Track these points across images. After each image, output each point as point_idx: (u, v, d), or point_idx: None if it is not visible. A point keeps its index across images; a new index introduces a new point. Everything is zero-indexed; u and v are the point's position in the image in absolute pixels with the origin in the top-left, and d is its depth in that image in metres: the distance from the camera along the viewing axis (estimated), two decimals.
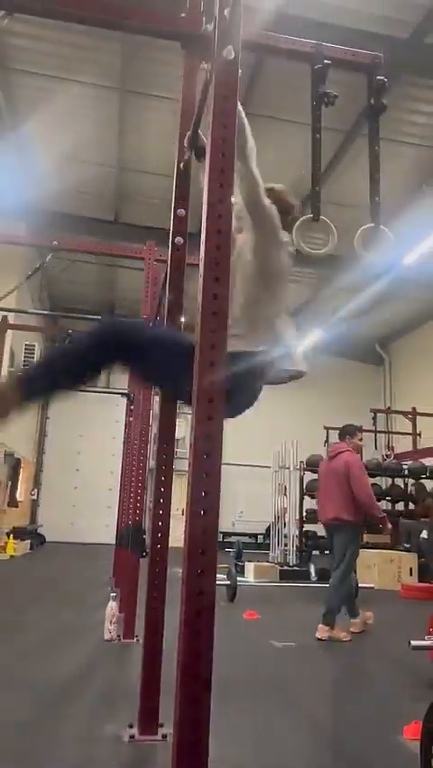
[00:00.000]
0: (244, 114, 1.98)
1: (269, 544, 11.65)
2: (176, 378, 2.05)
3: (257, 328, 2.19)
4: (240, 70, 1.67)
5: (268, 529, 12.71)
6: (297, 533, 10.66)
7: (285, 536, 10.87)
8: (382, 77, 2.38)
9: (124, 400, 8.09)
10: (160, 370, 2.20)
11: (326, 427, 13.31)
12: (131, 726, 2.59)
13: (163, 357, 2.17)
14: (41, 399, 2.15)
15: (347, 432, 5.66)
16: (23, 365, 12.98)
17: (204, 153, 2.56)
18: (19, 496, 14.74)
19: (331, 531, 5.27)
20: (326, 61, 2.31)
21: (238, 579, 7.21)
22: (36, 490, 17.04)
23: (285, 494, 12.36)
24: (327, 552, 5.72)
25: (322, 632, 4.90)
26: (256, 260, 2.21)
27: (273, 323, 2.24)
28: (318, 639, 4.86)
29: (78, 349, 2.14)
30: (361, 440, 5.76)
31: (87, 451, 17.00)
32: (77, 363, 2.09)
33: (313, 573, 9.43)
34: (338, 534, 5.16)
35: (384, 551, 9.75)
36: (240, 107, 1.81)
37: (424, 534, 10.04)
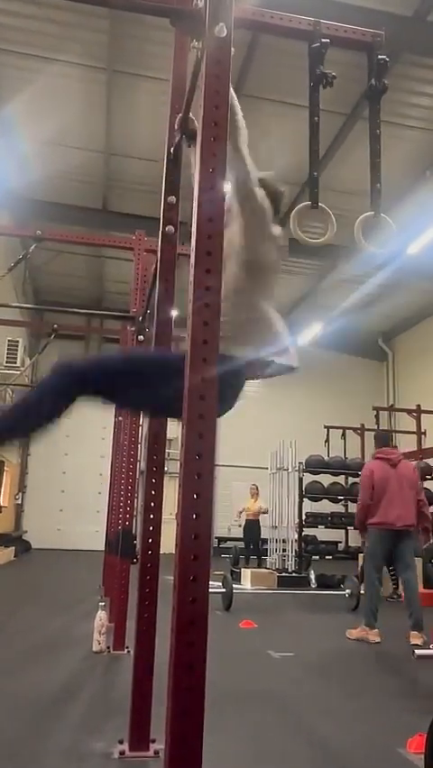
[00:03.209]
0: (235, 96, 1.97)
1: (267, 549, 11.66)
2: (157, 396, 2.10)
3: (245, 328, 2.16)
4: (233, 49, 1.66)
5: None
6: (295, 537, 10.65)
7: (283, 541, 10.88)
8: (382, 57, 2.37)
9: None
10: (135, 395, 2.19)
11: (326, 426, 13.34)
12: (121, 742, 2.59)
13: (133, 380, 2.14)
14: (13, 443, 2.21)
15: (388, 438, 6.24)
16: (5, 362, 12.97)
17: (195, 137, 2.56)
18: (2, 500, 14.72)
19: (400, 537, 5.46)
20: (324, 40, 2.29)
21: (234, 586, 7.21)
22: (21, 494, 17.01)
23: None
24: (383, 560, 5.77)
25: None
26: (244, 255, 2.18)
27: (262, 321, 2.22)
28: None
29: (40, 396, 2.15)
30: None
31: (74, 452, 16.94)
32: (42, 408, 2.10)
33: (313, 580, 9.45)
34: (409, 539, 5.45)
35: None
36: (231, 89, 1.81)
37: None
